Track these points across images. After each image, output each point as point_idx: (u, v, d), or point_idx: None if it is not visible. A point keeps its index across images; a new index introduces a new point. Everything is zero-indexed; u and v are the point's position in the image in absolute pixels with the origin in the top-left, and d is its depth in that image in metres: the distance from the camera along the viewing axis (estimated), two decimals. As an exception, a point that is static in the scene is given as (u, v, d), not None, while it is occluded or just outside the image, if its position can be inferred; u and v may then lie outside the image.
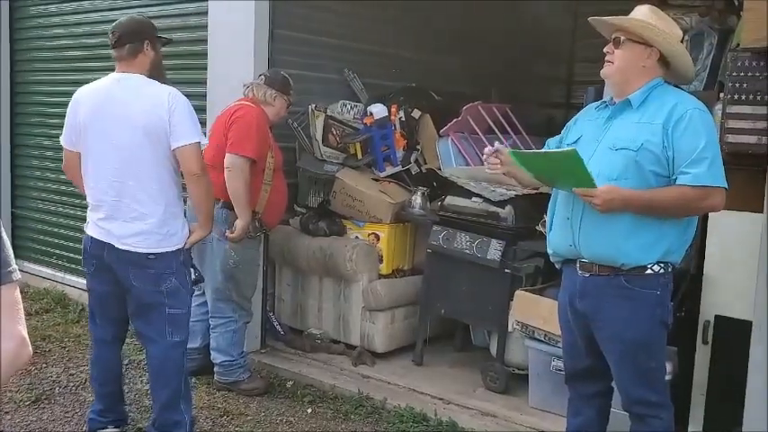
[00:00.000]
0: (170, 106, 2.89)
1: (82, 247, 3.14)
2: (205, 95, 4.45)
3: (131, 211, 2.93)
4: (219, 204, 3.68)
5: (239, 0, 4.22)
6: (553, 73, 6.84)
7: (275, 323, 4.55)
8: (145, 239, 2.93)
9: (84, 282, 3.27)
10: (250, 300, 3.97)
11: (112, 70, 3.07)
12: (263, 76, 3.95)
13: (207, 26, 4.44)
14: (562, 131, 2.74)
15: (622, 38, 2.45)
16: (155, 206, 2.94)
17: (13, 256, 1.30)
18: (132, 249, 2.94)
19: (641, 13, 2.48)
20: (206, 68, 4.46)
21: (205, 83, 4.47)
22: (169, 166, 2.97)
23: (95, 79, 3.13)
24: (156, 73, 3.05)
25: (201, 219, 3.10)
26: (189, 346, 3.94)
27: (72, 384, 3.92)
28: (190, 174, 2.97)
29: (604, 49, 2.50)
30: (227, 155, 3.63)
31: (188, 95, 4.51)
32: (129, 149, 2.90)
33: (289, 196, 4.15)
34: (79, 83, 3.23)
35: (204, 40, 4.47)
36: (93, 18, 5.35)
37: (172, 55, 4.75)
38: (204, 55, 4.46)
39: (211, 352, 3.90)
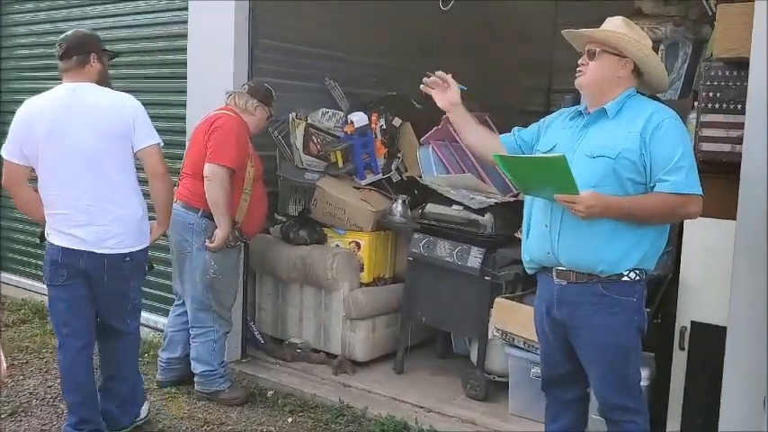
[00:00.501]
0: (134, 111, 3.11)
1: (47, 259, 3.14)
2: (185, 104, 4.45)
3: (108, 213, 3.06)
4: (199, 214, 3.68)
5: (219, 9, 4.22)
6: (533, 81, 6.89)
7: (256, 332, 4.53)
8: (123, 240, 3.10)
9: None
10: (230, 309, 3.95)
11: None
12: (246, 86, 3.95)
13: (186, 35, 4.44)
14: (532, 126, 2.76)
15: (597, 49, 2.48)
16: (130, 206, 3.12)
17: None
18: (111, 252, 3.08)
19: (614, 24, 2.51)
20: (185, 77, 4.45)
21: (185, 91, 4.46)
22: (134, 168, 3.16)
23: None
24: (104, 84, 3.19)
25: (163, 216, 3.29)
26: (170, 356, 3.98)
27: (49, 396, 3.88)
28: (156, 173, 3.15)
29: (579, 61, 2.53)
30: (206, 164, 3.62)
31: (167, 104, 4.60)
32: (101, 155, 3.04)
33: (269, 205, 4.15)
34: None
35: (184, 49, 4.46)
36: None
37: (151, 64, 4.79)
38: (184, 63, 4.46)
39: (191, 362, 3.88)
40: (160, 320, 4.60)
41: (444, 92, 2.77)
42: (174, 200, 3.75)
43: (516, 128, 2.83)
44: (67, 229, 3.04)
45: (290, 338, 4.47)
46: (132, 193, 3.15)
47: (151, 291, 4.83)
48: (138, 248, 3.16)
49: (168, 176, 3.20)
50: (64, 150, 3.02)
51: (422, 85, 2.82)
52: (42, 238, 3.21)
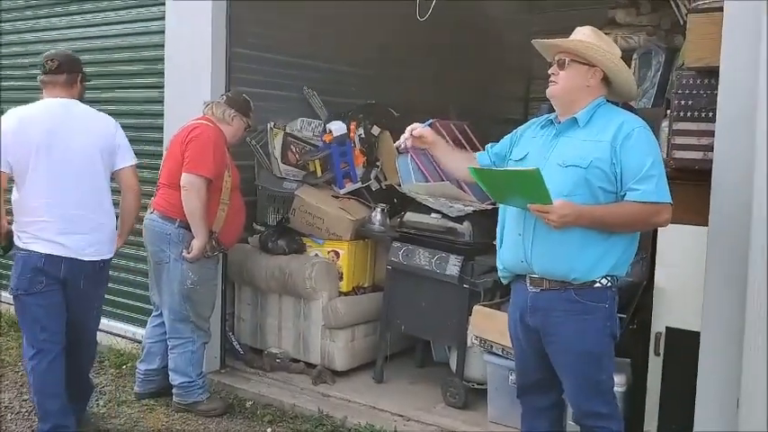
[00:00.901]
0: (116, 130, 3.39)
1: (25, 267, 3.17)
2: (162, 114, 4.43)
3: (90, 221, 3.24)
4: (176, 224, 3.67)
5: (196, 19, 4.21)
6: (511, 89, 6.95)
7: (235, 343, 4.51)
8: (101, 248, 3.29)
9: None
10: (208, 320, 3.93)
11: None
12: (224, 96, 3.95)
13: (164, 45, 4.43)
14: (504, 139, 2.79)
15: (567, 59, 2.52)
16: (108, 216, 3.34)
17: None
18: (91, 259, 3.25)
19: (583, 34, 2.55)
20: (163, 87, 4.43)
21: (162, 101, 4.45)
22: (108, 181, 3.38)
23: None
24: None
25: (126, 229, 3.50)
26: (148, 367, 3.95)
27: (24, 410, 3.83)
28: (132, 187, 3.41)
29: (549, 71, 2.57)
30: (183, 174, 3.61)
31: (145, 114, 4.58)
32: (90, 166, 3.25)
33: (247, 214, 4.14)
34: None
35: (161, 59, 4.45)
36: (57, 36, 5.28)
37: (129, 74, 4.76)
38: (161, 73, 4.44)
39: (170, 373, 3.85)
40: (138, 331, 4.56)
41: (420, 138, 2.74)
42: (151, 210, 3.75)
43: (489, 144, 2.86)
44: (51, 236, 3.15)
45: (269, 348, 4.45)
46: (109, 203, 3.35)
47: (129, 302, 4.81)
48: (110, 256, 3.39)
49: (140, 193, 3.46)
50: (58, 160, 3.16)
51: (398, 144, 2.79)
52: (7, 248, 3.26)
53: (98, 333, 3.61)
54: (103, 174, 3.30)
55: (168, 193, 3.70)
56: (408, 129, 2.75)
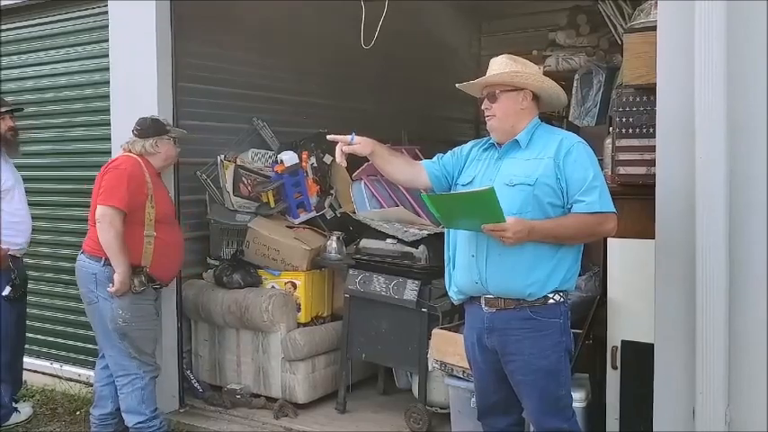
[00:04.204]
0: None
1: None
2: (110, 151, 4.35)
3: None
4: (102, 263, 3.57)
5: (141, 55, 4.17)
6: (460, 113, 7.05)
7: (193, 381, 4.41)
8: None
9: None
10: (153, 354, 3.78)
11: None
12: (133, 132, 3.80)
13: (109, 82, 4.37)
14: (447, 155, 2.81)
15: (496, 91, 2.60)
16: None
17: None
18: None
19: (502, 64, 2.63)
20: (110, 124, 4.36)
21: (109, 138, 4.37)
22: None
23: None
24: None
25: None
26: (101, 412, 3.82)
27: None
28: None
29: (482, 107, 2.65)
30: (97, 206, 3.53)
31: (91, 152, 4.50)
32: None
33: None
34: None
35: (107, 96, 4.39)
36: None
37: (74, 112, 4.69)
38: (107, 111, 4.38)
39: (123, 415, 3.73)
40: (91, 374, 4.43)
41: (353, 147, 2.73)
42: (81, 251, 3.67)
43: (439, 154, 2.87)
44: None
45: (228, 384, 4.37)
46: None
47: (78, 344, 4.69)
48: None
49: None
50: None
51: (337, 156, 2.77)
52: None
53: (49, 378, 3.53)
54: None
55: (92, 231, 3.62)
56: (337, 148, 2.72)
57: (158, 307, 3.89)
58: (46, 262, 4.86)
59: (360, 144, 2.72)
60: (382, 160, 2.80)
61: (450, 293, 2.73)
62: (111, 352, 3.68)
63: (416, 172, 2.80)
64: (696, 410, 2.62)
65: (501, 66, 2.62)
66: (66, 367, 4.69)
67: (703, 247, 2.59)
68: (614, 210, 2.50)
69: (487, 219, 2.41)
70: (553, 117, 4.49)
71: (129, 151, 3.73)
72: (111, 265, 3.54)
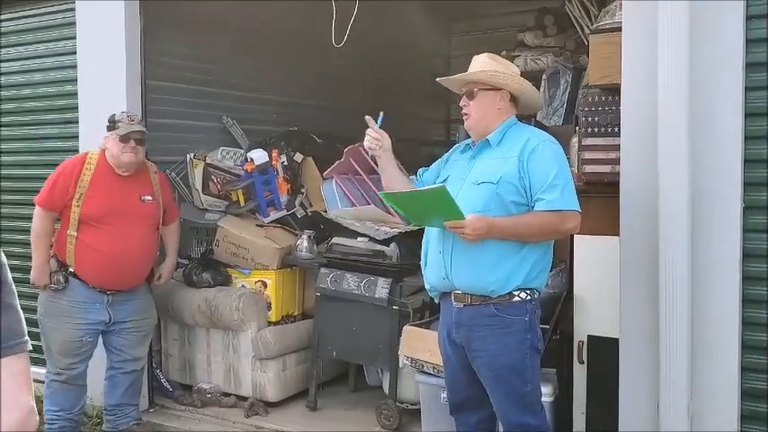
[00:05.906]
0: None
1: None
2: (78, 149, 4.30)
3: None
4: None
5: (110, 53, 4.13)
6: (432, 113, 7.09)
7: (163, 380, 4.38)
8: None
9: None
10: (63, 359, 3.55)
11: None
12: None
13: (76, 80, 4.31)
14: (433, 166, 2.86)
15: (475, 89, 2.63)
16: None
17: (25, 325, 1.31)
18: None
19: (482, 62, 2.66)
20: (77, 122, 4.31)
21: (78, 137, 4.32)
22: None
23: None
24: None
25: None
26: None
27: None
28: None
29: (460, 104, 2.67)
30: None
31: (59, 150, 4.44)
32: None
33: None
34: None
35: (75, 94, 4.34)
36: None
37: (41, 110, 4.61)
38: (75, 109, 4.32)
39: None
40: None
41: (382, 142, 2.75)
42: None
43: (421, 169, 2.90)
44: None
45: (199, 384, 4.35)
46: None
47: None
48: None
49: None
50: None
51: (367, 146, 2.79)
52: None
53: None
54: None
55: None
56: (367, 132, 2.74)
57: (128, 312, 3.64)
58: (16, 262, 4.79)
59: (388, 141, 2.73)
60: (390, 167, 2.79)
61: (427, 289, 2.75)
62: None
63: (409, 180, 2.82)
64: (660, 404, 2.68)
65: (482, 64, 2.65)
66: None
67: (666, 244, 2.66)
68: (577, 208, 2.51)
69: (447, 216, 2.45)
70: (522, 117, 4.55)
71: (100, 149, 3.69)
72: (54, 258, 3.56)
